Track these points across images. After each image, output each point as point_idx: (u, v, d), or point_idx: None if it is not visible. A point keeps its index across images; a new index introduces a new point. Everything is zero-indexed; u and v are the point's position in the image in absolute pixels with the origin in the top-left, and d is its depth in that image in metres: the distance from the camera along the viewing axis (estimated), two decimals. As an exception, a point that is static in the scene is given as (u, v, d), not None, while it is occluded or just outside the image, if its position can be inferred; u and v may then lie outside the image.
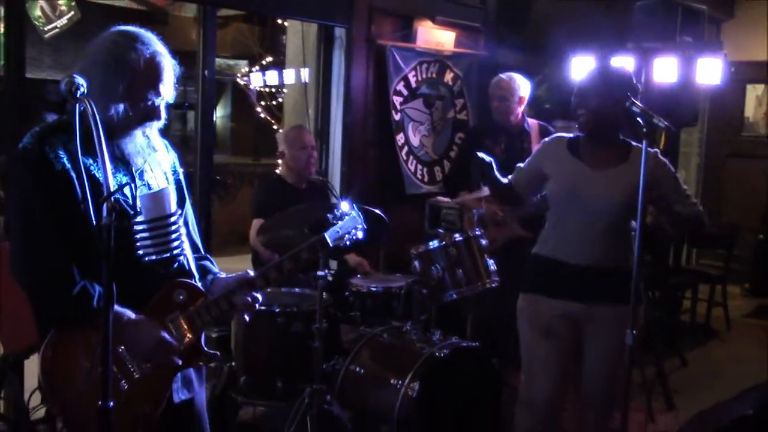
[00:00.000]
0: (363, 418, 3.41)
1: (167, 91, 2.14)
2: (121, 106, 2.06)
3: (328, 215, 2.47)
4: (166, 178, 2.27)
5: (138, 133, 2.14)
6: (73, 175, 2.01)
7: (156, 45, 2.12)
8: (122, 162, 2.14)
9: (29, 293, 2.08)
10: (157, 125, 2.18)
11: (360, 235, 2.43)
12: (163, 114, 2.16)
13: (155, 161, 2.23)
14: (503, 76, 4.75)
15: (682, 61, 4.78)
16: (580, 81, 3.02)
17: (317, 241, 2.33)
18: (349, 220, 2.42)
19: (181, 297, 2.17)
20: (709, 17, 7.06)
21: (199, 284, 2.25)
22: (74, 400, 1.99)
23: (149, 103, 2.10)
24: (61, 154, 2.02)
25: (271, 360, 3.55)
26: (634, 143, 3.00)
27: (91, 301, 2.03)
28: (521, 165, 3.23)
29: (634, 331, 2.66)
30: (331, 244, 2.35)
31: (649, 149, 2.89)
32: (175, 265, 2.21)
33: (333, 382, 3.53)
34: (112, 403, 1.79)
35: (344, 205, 2.47)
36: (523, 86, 4.71)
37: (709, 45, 5.34)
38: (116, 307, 2.03)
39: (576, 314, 2.97)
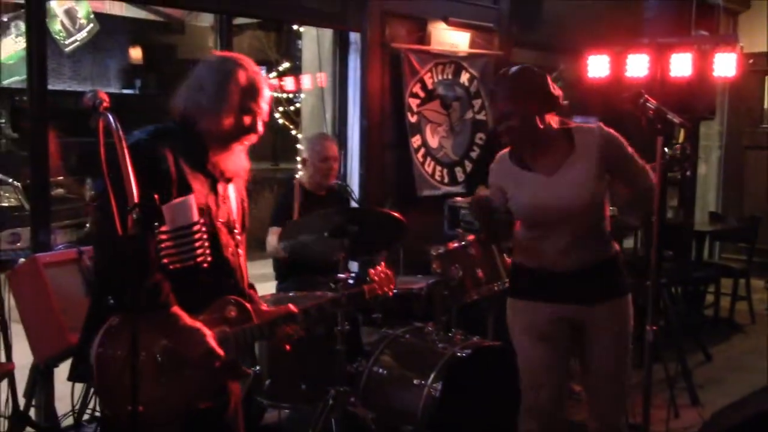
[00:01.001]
0: (387, 418, 3.44)
1: (265, 108, 2.35)
2: (232, 118, 2.28)
3: (369, 269, 2.82)
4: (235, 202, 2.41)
5: (236, 149, 2.33)
6: (174, 177, 2.18)
7: (255, 66, 2.35)
8: (212, 177, 2.30)
9: (104, 273, 2.19)
10: (253, 139, 2.36)
11: (390, 294, 2.84)
12: (260, 129, 2.34)
13: (236, 183, 2.40)
14: None
15: (698, 56, 4.75)
16: (493, 99, 2.93)
17: (356, 294, 2.75)
18: (385, 278, 2.79)
19: (233, 314, 2.30)
20: (725, 9, 7.03)
21: (248, 305, 2.36)
22: (120, 392, 2.07)
23: (253, 116, 2.30)
24: (167, 155, 2.19)
25: (295, 363, 3.58)
26: (572, 123, 2.88)
27: (160, 296, 2.14)
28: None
29: (654, 328, 2.65)
30: (367, 297, 2.79)
31: (590, 126, 2.84)
32: (205, 273, 2.27)
33: (356, 383, 3.56)
34: (142, 407, 1.91)
35: (381, 265, 2.86)
36: None
37: (724, 38, 5.31)
38: (176, 309, 2.17)
39: (573, 316, 2.89)
